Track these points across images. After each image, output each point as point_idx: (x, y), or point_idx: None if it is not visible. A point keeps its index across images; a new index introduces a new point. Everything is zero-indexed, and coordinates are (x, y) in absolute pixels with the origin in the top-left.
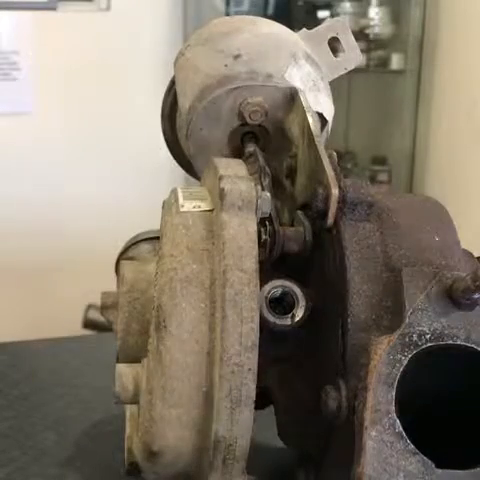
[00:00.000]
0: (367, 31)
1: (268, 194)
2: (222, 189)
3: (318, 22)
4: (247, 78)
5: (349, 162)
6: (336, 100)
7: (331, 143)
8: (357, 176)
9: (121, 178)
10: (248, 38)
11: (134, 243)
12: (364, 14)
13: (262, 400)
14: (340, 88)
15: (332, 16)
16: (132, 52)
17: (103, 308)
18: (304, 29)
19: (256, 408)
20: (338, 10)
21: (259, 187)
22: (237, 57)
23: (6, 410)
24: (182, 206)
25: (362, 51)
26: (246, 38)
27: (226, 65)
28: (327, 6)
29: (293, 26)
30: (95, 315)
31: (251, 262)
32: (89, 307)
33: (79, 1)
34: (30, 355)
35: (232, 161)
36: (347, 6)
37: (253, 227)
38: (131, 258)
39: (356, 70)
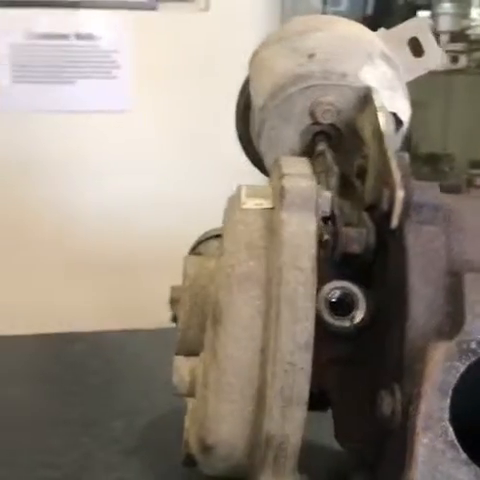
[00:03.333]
0: (468, 32)
1: (329, 193)
2: (282, 187)
3: None
4: (321, 77)
5: (446, 165)
6: (433, 101)
7: (428, 145)
8: (455, 179)
9: (211, 177)
10: (323, 37)
11: (204, 239)
12: (465, 15)
13: (323, 401)
14: (438, 89)
15: (432, 17)
16: (230, 52)
17: (172, 302)
18: (383, 28)
19: (318, 409)
20: (438, 10)
21: (320, 186)
22: (311, 56)
23: (79, 397)
24: (244, 203)
25: (462, 53)
26: (321, 37)
27: (300, 64)
28: (427, 6)
29: (393, 26)
30: None
31: (308, 261)
32: None
33: (178, 1)
34: (108, 345)
35: (297, 159)
36: (447, 6)
37: (312, 226)
38: (199, 254)
39: (455, 71)
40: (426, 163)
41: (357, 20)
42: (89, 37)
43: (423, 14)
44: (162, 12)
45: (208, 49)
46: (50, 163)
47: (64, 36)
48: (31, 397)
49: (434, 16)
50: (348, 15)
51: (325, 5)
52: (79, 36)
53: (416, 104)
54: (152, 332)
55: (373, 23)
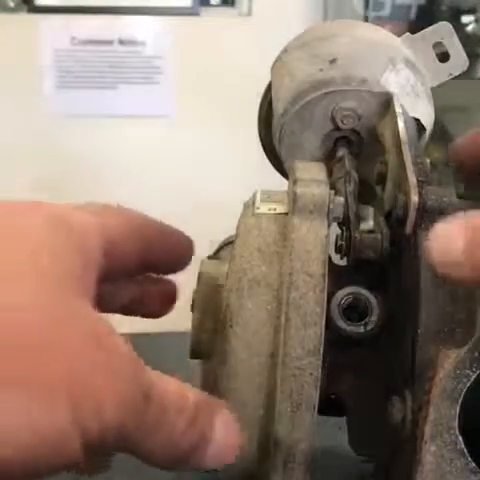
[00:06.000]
0: None
1: (342, 199)
2: (294, 192)
3: (462, 27)
4: (341, 83)
5: None
6: (476, 106)
7: None
8: None
9: (254, 183)
10: (346, 43)
11: (227, 244)
12: None
13: (341, 407)
14: None
15: (477, 21)
16: (272, 56)
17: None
18: (407, 33)
19: (336, 415)
20: None
21: (333, 192)
22: (332, 62)
23: None
24: (258, 208)
25: None
26: (344, 43)
27: (321, 69)
28: (472, 11)
29: None
30: None
31: (318, 266)
32: None
33: (221, 6)
34: (133, 347)
35: (313, 165)
36: None
37: (323, 231)
38: (219, 258)
39: None
40: None
41: (401, 25)
42: (132, 43)
43: (467, 19)
44: (204, 17)
45: (250, 54)
46: (92, 166)
47: (107, 42)
48: None
49: (478, 21)
50: (391, 20)
51: (367, 9)
52: (122, 42)
53: (459, 109)
54: (179, 335)
55: (417, 28)
